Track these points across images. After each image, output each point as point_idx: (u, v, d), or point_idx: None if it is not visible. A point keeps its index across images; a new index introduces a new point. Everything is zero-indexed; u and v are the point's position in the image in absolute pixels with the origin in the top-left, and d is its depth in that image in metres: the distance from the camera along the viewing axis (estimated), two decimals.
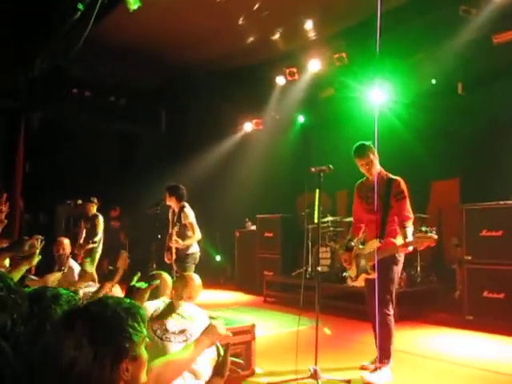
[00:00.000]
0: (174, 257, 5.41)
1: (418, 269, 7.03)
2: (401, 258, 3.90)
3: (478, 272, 5.73)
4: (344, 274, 3.87)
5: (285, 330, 5.63)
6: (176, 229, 5.37)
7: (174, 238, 5.32)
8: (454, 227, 6.75)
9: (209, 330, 1.96)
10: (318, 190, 3.68)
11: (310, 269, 7.44)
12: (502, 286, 5.48)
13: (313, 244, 7.55)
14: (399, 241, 3.83)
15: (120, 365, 0.97)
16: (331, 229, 7.73)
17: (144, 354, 1.04)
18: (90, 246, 7.29)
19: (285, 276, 8.17)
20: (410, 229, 3.75)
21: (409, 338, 5.29)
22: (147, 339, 1.08)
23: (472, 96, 7.07)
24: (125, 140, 11.57)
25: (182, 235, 5.46)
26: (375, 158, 4.01)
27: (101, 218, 7.54)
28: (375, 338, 3.89)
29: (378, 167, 4.04)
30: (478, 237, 5.74)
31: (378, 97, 7.59)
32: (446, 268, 7.27)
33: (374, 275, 3.76)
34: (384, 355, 3.78)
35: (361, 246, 4.10)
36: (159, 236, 6.36)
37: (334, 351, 4.58)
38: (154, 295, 2.93)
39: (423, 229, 3.61)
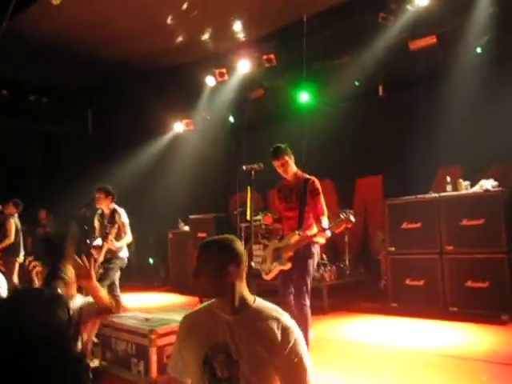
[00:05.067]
0: (101, 258, 5.20)
1: (347, 262, 7.37)
2: (316, 251, 4.12)
3: (401, 262, 6.14)
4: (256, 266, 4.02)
5: None
6: (116, 228, 5.20)
7: (111, 237, 5.14)
8: (378, 221, 7.15)
9: None
10: (249, 188, 3.76)
11: None
12: (421, 273, 5.91)
13: (246, 242, 7.64)
14: (315, 230, 4.05)
15: None
16: (263, 226, 7.87)
17: None
18: None
19: None
20: (324, 221, 3.99)
21: (340, 327, 5.55)
22: None
23: (392, 98, 7.51)
24: (48, 141, 11.02)
25: (117, 236, 5.31)
26: (290, 159, 4.19)
27: (12, 220, 7.13)
28: None
29: (294, 168, 4.22)
30: (399, 229, 6.14)
31: (306, 97, 7.85)
32: (373, 260, 7.68)
33: (289, 266, 3.97)
34: None
35: (276, 241, 4.27)
36: (88, 241, 6.14)
37: None
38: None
39: (342, 216, 3.83)
